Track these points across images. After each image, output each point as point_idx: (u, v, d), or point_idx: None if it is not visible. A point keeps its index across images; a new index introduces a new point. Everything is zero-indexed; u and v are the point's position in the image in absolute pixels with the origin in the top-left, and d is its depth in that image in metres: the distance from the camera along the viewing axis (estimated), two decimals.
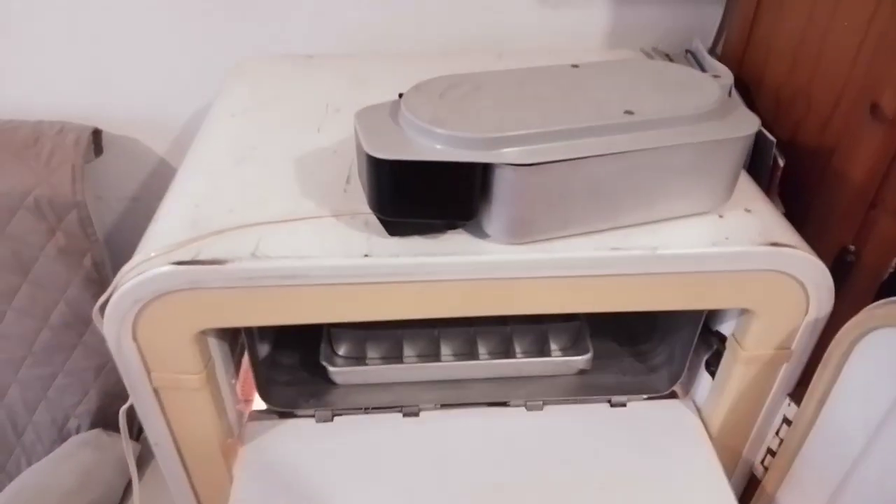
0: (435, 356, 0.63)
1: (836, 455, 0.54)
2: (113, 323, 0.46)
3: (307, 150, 0.57)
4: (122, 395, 0.53)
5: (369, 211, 0.47)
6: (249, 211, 0.49)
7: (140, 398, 0.51)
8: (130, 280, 0.45)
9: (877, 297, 0.69)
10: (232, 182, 0.53)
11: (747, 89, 0.79)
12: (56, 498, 0.75)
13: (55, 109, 0.86)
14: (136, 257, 0.47)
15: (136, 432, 0.92)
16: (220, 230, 0.47)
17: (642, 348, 0.67)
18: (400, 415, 0.61)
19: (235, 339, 0.58)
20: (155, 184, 0.93)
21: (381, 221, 0.47)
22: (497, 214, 0.46)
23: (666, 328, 0.65)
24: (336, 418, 0.60)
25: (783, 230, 0.51)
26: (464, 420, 0.61)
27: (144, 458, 0.87)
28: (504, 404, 0.62)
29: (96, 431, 0.86)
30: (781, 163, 0.68)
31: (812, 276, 0.50)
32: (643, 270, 0.48)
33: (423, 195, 0.45)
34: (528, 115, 0.44)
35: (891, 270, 0.71)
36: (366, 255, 0.46)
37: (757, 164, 0.73)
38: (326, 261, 0.45)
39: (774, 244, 0.48)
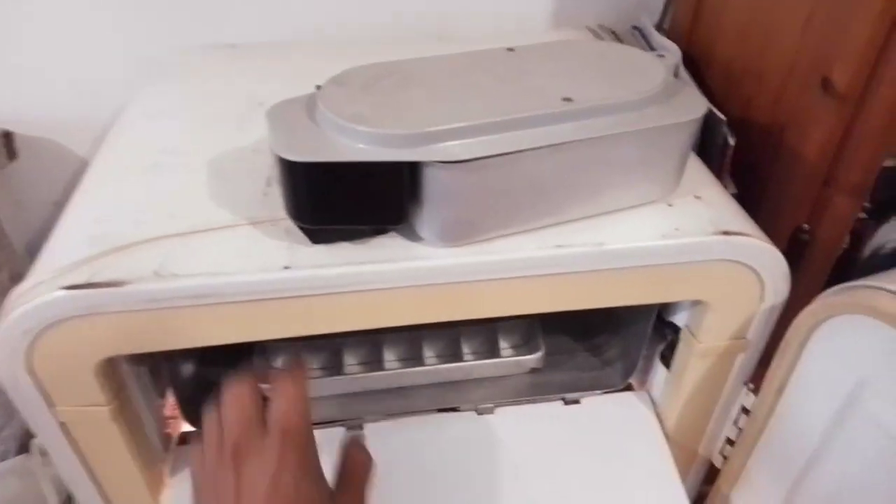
0: (378, 364, 0.59)
1: (797, 444, 0.52)
2: (2, 357, 0.41)
3: (225, 150, 0.52)
4: None
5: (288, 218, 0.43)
6: (156, 224, 0.44)
7: (46, 435, 0.46)
8: (16, 309, 0.40)
9: (831, 275, 0.67)
10: (139, 191, 0.47)
11: (697, 66, 0.76)
12: None
13: None
14: (25, 283, 0.41)
15: None
16: (121, 247, 0.42)
17: (596, 341, 0.65)
18: (343, 429, 0.57)
19: (158, 355, 0.53)
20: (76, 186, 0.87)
21: (302, 229, 0.43)
22: (430, 216, 0.42)
23: (620, 321, 0.62)
24: None
25: (735, 217, 0.48)
26: (411, 430, 0.57)
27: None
28: (454, 410, 0.59)
29: (22, 457, 0.80)
30: (732, 142, 0.66)
31: (766, 264, 0.47)
32: (590, 267, 0.45)
33: (345, 199, 0.40)
34: (458, 108, 0.40)
35: (844, 247, 0.70)
36: (286, 268, 0.41)
37: (707, 144, 0.70)
38: (240, 277, 0.41)
39: (726, 233, 0.45)
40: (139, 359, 0.49)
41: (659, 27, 0.83)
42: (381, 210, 0.41)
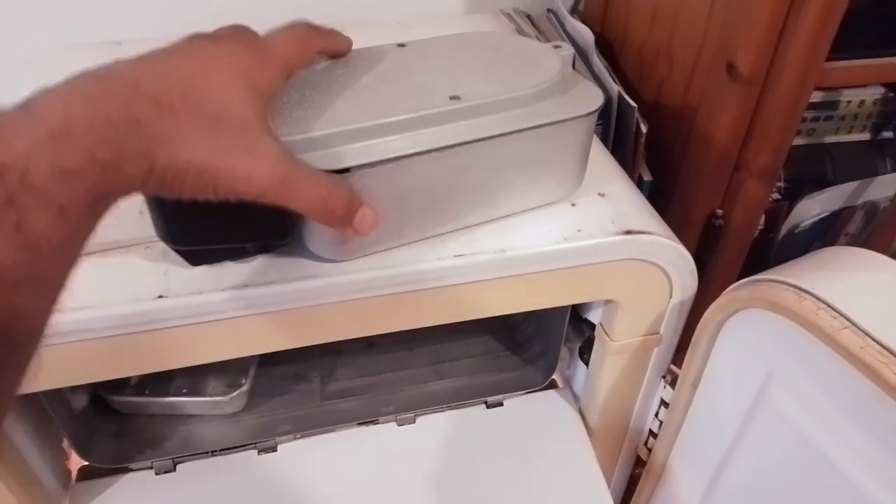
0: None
1: (713, 437, 0.52)
2: None
3: None
4: None
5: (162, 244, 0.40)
6: None
7: None
8: None
9: (749, 258, 0.68)
10: None
11: (611, 49, 0.75)
12: None
13: None
14: None
15: None
16: None
17: (519, 340, 0.63)
18: (255, 452, 0.54)
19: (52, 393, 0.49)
20: None
21: (177, 252, 0.39)
22: (317, 231, 0.39)
23: (540, 319, 0.61)
24: (179, 466, 0.53)
25: (639, 213, 0.47)
26: (329, 446, 0.55)
27: None
28: (373, 422, 0.57)
29: None
30: (644, 128, 0.65)
31: (672, 261, 0.46)
32: (493, 275, 0.43)
33: (218, 215, 0.36)
34: (337, 111, 0.37)
35: (760, 228, 0.71)
36: (160, 297, 0.38)
37: (621, 131, 0.69)
38: (108, 309, 0.37)
39: (629, 232, 0.44)
40: (19, 398, 0.45)
41: (573, 10, 0.82)
42: (260, 226, 0.38)
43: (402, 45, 0.45)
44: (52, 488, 0.50)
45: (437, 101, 0.39)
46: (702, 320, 0.48)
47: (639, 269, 0.46)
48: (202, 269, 0.40)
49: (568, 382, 0.62)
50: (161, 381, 0.54)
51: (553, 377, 0.61)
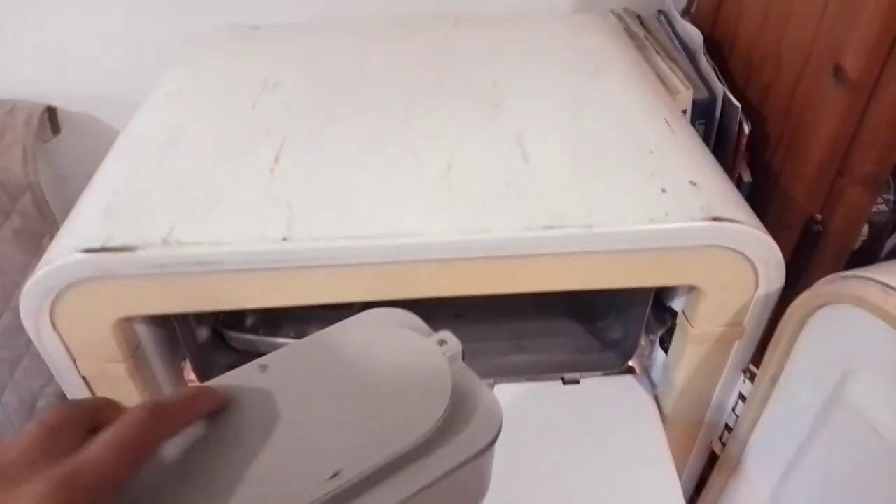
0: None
1: (787, 433, 0.52)
2: (29, 313, 0.45)
3: (238, 128, 0.54)
4: None
5: (292, 192, 0.45)
6: (168, 196, 0.47)
7: (69, 387, 0.50)
8: (41, 270, 0.43)
9: (850, 268, 0.66)
10: (153, 166, 0.51)
11: (720, 51, 0.75)
12: None
13: (5, 87, 0.84)
14: (53, 246, 0.45)
15: None
16: (134, 216, 0.46)
17: (599, 324, 0.65)
18: None
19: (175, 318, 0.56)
20: None
21: None
22: None
23: (622, 304, 0.63)
24: None
25: (729, 203, 0.48)
26: None
27: None
28: None
29: None
30: (747, 129, 0.65)
31: (758, 252, 0.47)
32: (578, 249, 0.46)
33: None
34: None
35: (863, 239, 0.69)
36: (284, 240, 0.44)
37: (723, 131, 0.69)
38: (241, 246, 0.43)
39: (716, 219, 0.46)
40: (156, 321, 0.52)
41: (685, 12, 0.82)
42: None
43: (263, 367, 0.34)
44: None
45: (317, 485, 0.27)
46: (786, 314, 0.49)
47: (724, 257, 0.47)
48: (321, 221, 0.45)
49: (646, 370, 0.63)
50: (272, 325, 0.60)
51: (631, 364, 0.62)
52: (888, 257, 0.75)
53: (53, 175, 0.92)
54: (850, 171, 0.59)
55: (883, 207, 0.71)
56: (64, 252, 0.43)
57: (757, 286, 0.49)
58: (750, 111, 0.67)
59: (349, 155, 0.51)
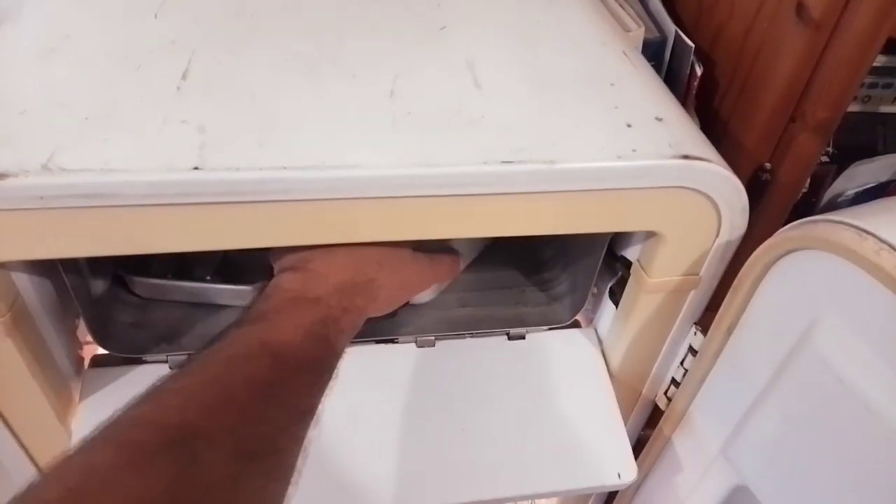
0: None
1: (742, 385, 0.50)
2: None
3: (136, 39, 0.46)
4: None
5: (205, 114, 0.38)
6: (48, 115, 0.39)
7: None
8: None
9: (790, 219, 0.65)
10: (31, 79, 0.41)
11: None
12: None
13: None
14: None
15: None
16: (5, 137, 0.37)
17: (545, 276, 0.62)
18: None
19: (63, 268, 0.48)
20: None
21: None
22: None
23: (570, 255, 0.59)
24: None
25: (697, 142, 0.44)
26: (346, 360, 0.54)
27: None
28: (392, 341, 0.55)
29: None
30: (699, 70, 0.62)
31: (726, 195, 0.44)
32: (539, 188, 0.41)
33: None
34: None
35: (804, 190, 0.68)
36: (195, 168, 0.36)
37: (673, 72, 0.66)
38: (141, 176, 0.36)
39: (686, 157, 0.42)
40: (38, 269, 0.44)
41: None
42: None
43: None
44: (66, 370, 0.49)
45: None
46: (748, 261, 0.46)
47: (690, 199, 0.44)
48: (240, 148, 0.38)
49: (591, 323, 0.60)
50: (184, 268, 0.52)
51: (576, 317, 0.59)
52: (824, 210, 0.75)
53: None
54: (802, 117, 0.57)
55: (824, 159, 0.70)
56: None
57: (718, 233, 0.47)
58: (699, 54, 0.63)
59: (272, 76, 0.44)
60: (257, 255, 0.52)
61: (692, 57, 0.62)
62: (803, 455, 0.45)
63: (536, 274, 0.62)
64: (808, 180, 0.66)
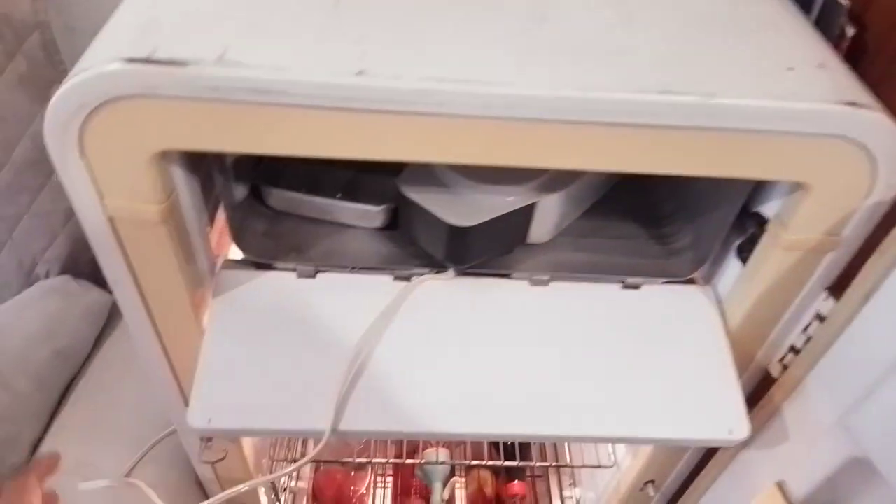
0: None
1: (869, 359, 0.48)
2: (55, 133, 0.39)
3: None
4: None
5: (364, 29, 0.39)
6: (215, 18, 0.40)
7: (93, 228, 0.44)
8: (73, 80, 0.37)
9: None
10: None
11: None
12: (19, 342, 0.71)
13: None
14: (85, 57, 0.38)
15: None
16: (182, 33, 0.39)
17: (665, 231, 0.60)
18: (391, 278, 0.54)
19: (210, 177, 0.50)
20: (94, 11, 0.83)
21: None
22: None
23: (694, 208, 0.58)
24: (319, 275, 0.54)
25: (862, 91, 0.42)
26: (461, 290, 0.55)
27: (117, 311, 0.83)
28: (507, 276, 0.56)
29: (64, 278, 0.81)
30: (850, 32, 0.59)
31: (888, 149, 0.42)
32: (693, 123, 0.40)
33: None
34: None
35: None
36: (360, 73, 0.37)
37: (820, 31, 0.63)
38: (310, 76, 0.37)
39: (852, 104, 0.40)
40: (192, 166, 0.46)
41: None
42: None
43: None
44: (202, 267, 0.52)
45: None
46: None
47: (847, 151, 0.42)
48: (398, 60, 0.39)
49: (709, 281, 0.59)
50: (314, 185, 0.54)
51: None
52: None
53: (62, 26, 0.83)
54: None
55: None
56: (101, 61, 0.37)
57: (870, 191, 0.44)
58: (850, 16, 0.60)
59: (424, 1, 0.44)
60: (384, 178, 0.54)
61: (844, 17, 0.58)
62: None
63: (656, 227, 0.61)
64: None
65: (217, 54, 0.37)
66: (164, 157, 0.42)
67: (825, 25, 0.62)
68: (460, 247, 0.51)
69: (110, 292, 0.82)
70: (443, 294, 0.54)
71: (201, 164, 0.48)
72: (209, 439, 0.60)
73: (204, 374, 0.49)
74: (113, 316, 0.82)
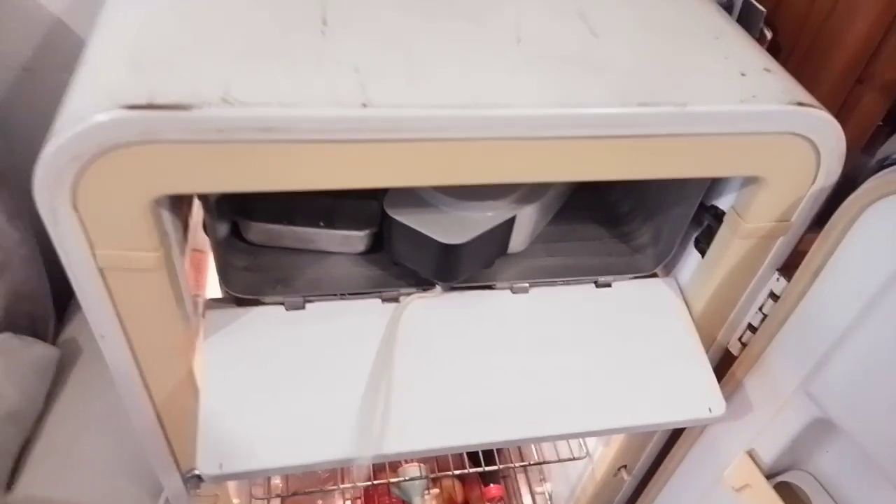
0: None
1: (822, 329, 0.53)
2: (47, 187, 0.37)
3: None
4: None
5: (356, 56, 0.40)
6: (206, 49, 0.40)
7: (81, 281, 0.42)
8: (67, 130, 0.35)
9: None
10: (177, 14, 0.43)
11: None
12: None
13: None
14: (72, 102, 0.37)
15: (52, 335, 0.82)
16: (175, 70, 0.38)
17: (625, 229, 0.65)
18: (379, 301, 0.55)
19: (185, 215, 0.49)
20: (52, 51, 0.78)
21: None
22: None
23: (653, 207, 0.62)
24: (308, 305, 0.53)
25: (802, 91, 0.47)
26: (450, 305, 0.56)
27: (66, 363, 0.78)
28: (490, 287, 0.58)
29: (5, 336, 0.75)
30: (769, 35, 0.65)
31: (829, 141, 0.47)
32: (669, 131, 0.43)
33: None
34: None
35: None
36: (364, 105, 0.38)
37: None
38: (317, 111, 0.38)
39: (801, 104, 0.45)
40: (176, 210, 0.45)
41: None
42: None
43: None
44: (189, 310, 0.50)
45: None
46: (843, 205, 0.49)
47: (795, 145, 0.47)
48: (394, 87, 0.40)
49: (670, 273, 0.63)
50: (296, 213, 0.54)
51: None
52: (871, 172, 0.79)
53: None
54: (871, 78, 0.60)
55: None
56: (95, 108, 0.35)
57: (815, 179, 0.50)
58: (769, 17, 0.66)
59: (404, 23, 0.46)
60: (362, 203, 0.54)
61: (762, 22, 0.65)
62: (893, 385, 0.49)
63: (616, 227, 0.65)
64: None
65: (219, 93, 0.37)
66: (159, 202, 0.41)
67: (747, 29, 0.68)
68: (451, 264, 0.52)
69: (54, 345, 0.78)
70: (433, 311, 0.55)
71: (182, 206, 0.47)
72: (198, 487, 0.58)
73: (208, 419, 0.48)
74: (60, 370, 0.77)
